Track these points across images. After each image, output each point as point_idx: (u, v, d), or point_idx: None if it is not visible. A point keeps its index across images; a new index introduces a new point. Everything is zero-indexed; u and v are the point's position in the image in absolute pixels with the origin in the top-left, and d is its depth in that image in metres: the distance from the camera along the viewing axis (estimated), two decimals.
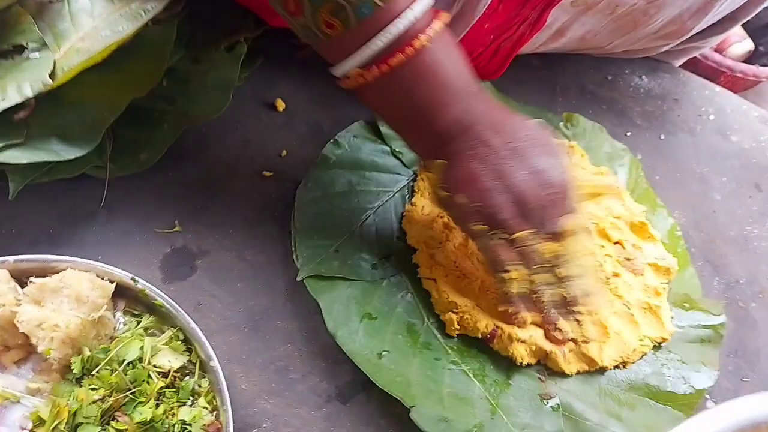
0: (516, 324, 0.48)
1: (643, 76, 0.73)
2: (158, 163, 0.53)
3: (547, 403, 0.47)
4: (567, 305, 0.46)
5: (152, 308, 0.45)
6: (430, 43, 0.41)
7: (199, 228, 0.52)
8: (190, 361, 0.44)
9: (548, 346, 0.48)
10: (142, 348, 0.43)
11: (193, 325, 0.43)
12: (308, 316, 0.49)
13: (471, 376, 0.48)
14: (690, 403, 0.50)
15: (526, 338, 0.48)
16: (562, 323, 0.47)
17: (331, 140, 0.57)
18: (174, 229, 0.52)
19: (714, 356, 0.53)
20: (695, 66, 0.91)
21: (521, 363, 0.48)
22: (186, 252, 0.51)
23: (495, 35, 0.61)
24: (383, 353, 0.46)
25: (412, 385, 0.45)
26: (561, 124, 0.65)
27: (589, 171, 0.62)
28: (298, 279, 0.49)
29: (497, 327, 0.48)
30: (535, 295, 0.46)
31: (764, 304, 0.59)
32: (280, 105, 0.61)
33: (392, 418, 0.46)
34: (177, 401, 0.42)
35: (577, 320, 0.48)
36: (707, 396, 0.52)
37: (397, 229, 0.54)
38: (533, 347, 0.48)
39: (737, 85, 1.02)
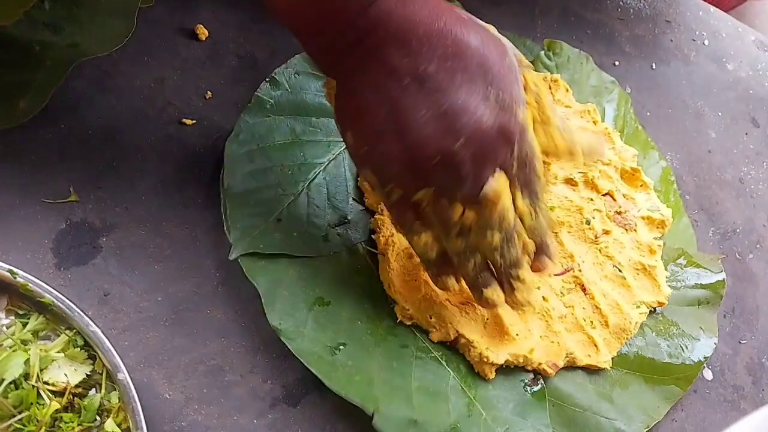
0: (440, 287, 0.38)
1: None
2: (44, 114, 0.41)
3: (531, 389, 0.41)
4: (497, 269, 0.36)
5: (42, 305, 0.35)
6: None
7: (102, 196, 0.41)
8: (94, 370, 0.35)
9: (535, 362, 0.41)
10: (27, 361, 0.34)
11: (93, 327, 0.34)
12: (245, 302, 0.40)
13: (444, 363, 0.40)
14: (688, 376, 0.44)
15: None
16: (493, 290, 0.37)
17: (267, 78, 0.46)
18: (69, 199, 0.41)
19: (712, 320, 0.47)
20: None
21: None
22: (86, 227, 0.40)
23: None
24: (339, 347, 0.38)
25: (375, 383, 0.37)
26: (542, 52, 0.56)
27: (575, 109, 0.53)
28: (231, 258, 0.39)
29: (460, 335, 0.40)
30: (456, 260, 0.36)
31: (762, 255, 0.53)
32: (202, 33, 0.49)
33: (352, 420, 0.38)
34: (78, 425, 0.33)
35: (511, 285, 0.37)
36: (709, 358, 0.46)
37: (353, 188, 0.45)
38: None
39: (723, 3, 0.93)
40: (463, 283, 0.38)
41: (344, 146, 0.45)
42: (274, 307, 0.38)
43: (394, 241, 0.41)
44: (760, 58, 0.64)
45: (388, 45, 0.31)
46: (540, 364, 0.41)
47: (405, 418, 0.37)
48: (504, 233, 0.34)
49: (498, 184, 0.33)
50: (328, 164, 0.45)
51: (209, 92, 0.47)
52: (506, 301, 0.37)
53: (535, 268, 0.38)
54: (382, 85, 0.32)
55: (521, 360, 0.40)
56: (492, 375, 0.40)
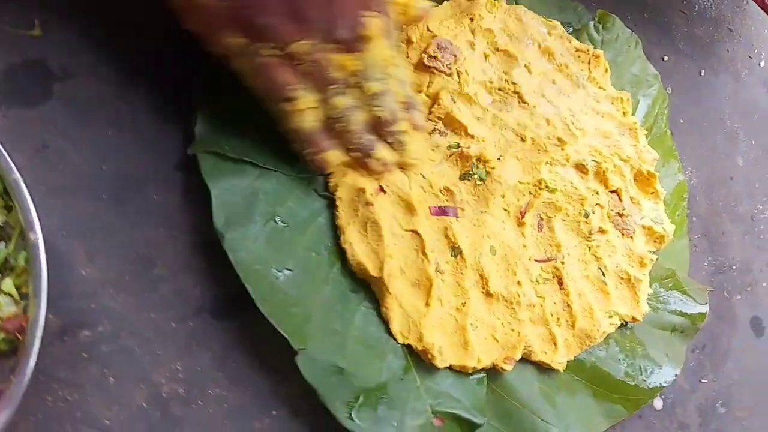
0: (320, 167, 0.36)
1: None
2: None
3: (473, 374, 0.38)
4: (382, 128, 0.36)
5: None
6: None
7: (70, 37, 0.36)
8: (7, 222, 0.31)
9: None
10: None
11: (15, 175, 0.30)
12: (199, 195, 0.35)
13: None
14: (637, 400, 0.42)
15: None
16: (382, 149, 0.37)
17: None
18: (32, 32, 0.36)
19: (681, 350, 0.44)
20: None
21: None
22: (42, 68, 0.35)
23: None
24: (284, 271, 0.34)
25: (312, 321, 0.34)
26: (591, 23, 0.50)
27: (609, 92, 0.48)
28: (189, 152, 0.35)
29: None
30: (338, 125, 0.35)
31: (750, 300, 0.50)
32: None
33: (274, 351, 0.34)
34: None
35: (399, 142, 0.37)
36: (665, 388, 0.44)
37: None
38: None
39: None
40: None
41: None
42: (224, 212, 0.34)
43: (345, 182, 0.37)
44: None
45: None
46: (495, 364, 0.38)
47: (331, 364, 0.33)
48: (381, 81, 0.34)
49: (374, 22, 0.32)
50: None
51: None
52: (397, 164, 0.38)
53: (413, 126, 0.38)
54: None
55: (468, 369, 0.37)
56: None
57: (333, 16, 0.31)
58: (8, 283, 0.30)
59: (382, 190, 0.38)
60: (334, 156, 0.36)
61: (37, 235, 0.29)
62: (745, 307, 0.50)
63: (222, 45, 0.32)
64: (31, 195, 0.29)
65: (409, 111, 0.38)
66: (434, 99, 0.42)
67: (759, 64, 0.58)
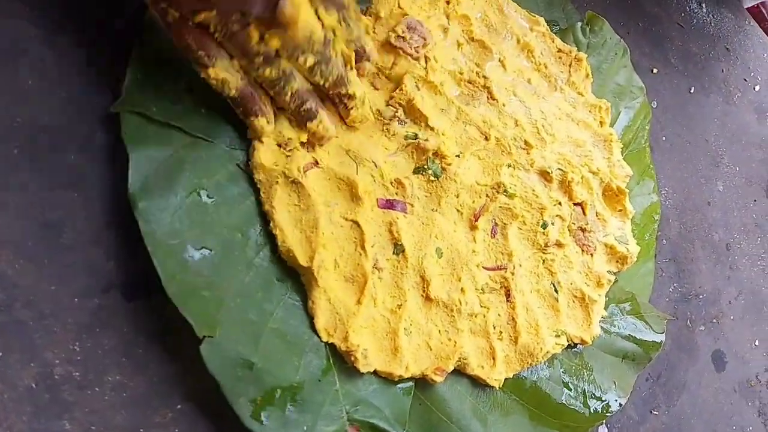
0: (251, 131, 0.34)
1: (703, 5, 0.55)
2: None
3: (399, 383, 0.35)
4: (328, 91, 0.34)
5: None
6: None
7: None
8: None
9: None
10: None
11: None
12: (122, 162, 0.32)
13: None
14: (577, 427, 0.39)
15: None
16: (324, 117, 0.34)
17: None
18: None
19: (630, 379, 0.42)
20: (760, 16, 0.72)
21: None
22: None
23: None
24: (201, 250, 0.32)
25: (224, 307, 0.31)
26: (579, 24, 0.47)
27: (587, 99, 0.45)
28: (112, 110, 0.32)
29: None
30: (271, 91, 0.32)
31: (713, 332, 0.48)
32: None
33: (185, 338, 0.32)
34: None
35: (345, 105, 0.35)
36: (607, 417, 0.41)
37: None
38: None
39: None
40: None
41: None
42: (142, 179, 0.31)
43: (262, 164, 0.34)
44: None
45: None
46: (424, 374, 0.35)
47: (240, 357, 0.31)
48: (317, 54, 0.31)
49: (293, 2, 0.28)
50: None
51: None
52: (344, 122, 0.36)
53: (360, 73, 0.35)
54: None
55: (395, 376, 0.34)
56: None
57: None
58: None
59: (315, 163, 0.35)
60: (262, 122, 0.33)
61: None
62: (708, 340, 0.47)
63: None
64: None
65: (359, 62, 0.35)
66: (397, 83, 0.39)
67: (753, 88, 0.55)
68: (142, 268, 0.32)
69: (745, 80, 0.55)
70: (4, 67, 0.32)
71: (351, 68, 0.34)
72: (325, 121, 0.34)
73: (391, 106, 0.38)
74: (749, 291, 0.50)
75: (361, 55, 0.35)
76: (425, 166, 0.38)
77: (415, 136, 0.38)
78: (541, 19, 0.45)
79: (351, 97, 0.34)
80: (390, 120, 0.38)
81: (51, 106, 0.33)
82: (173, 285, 0.30)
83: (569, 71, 0.45)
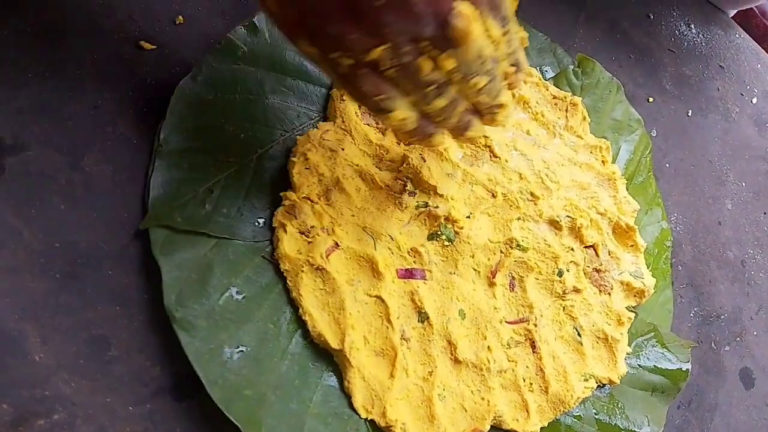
0: (433, 146, 0.33)
1: (692, 25, 0.56)
2: None
3: None
4: (482, 107, 0.32)
5: None
6: None
7: (21, 106, 0.36)
8: None
9: None
10: None
11: None
12: (154, 270, 0.35)
13: None
14: None
15: None
16: (477, 126, 0.33)
17: (246, 22, 0.40)
18: None
19: (662, 412, 0.43)
20: (747, 22, 0.73)
21: None
22: None
23: None
24: (238, 350, 0.34)
25: (266, 402, 0.33)
26: (571, 67, 0.49)
27: (587, 141, 0.47)
28: (141, 227, 0.34)
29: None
30: (437, 119, 0.31)
31: (739, 350, 0.48)
32: None
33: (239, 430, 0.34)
34: None
35: (493, 115, 0.33)
36: None
37: None
38: None
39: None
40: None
41: (316, 118, 0.40)
42: (176, 289, 0.33)
43: (287, 255, 0.36)
44: None
45: None
46: None
47: None
48: (488, 73, 0.29)
49: (466, 10, 0.26)
50: (290, 135, 0.39)
51: (181, 17, 0.41)
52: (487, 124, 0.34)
53: (511, 87, 0.33)
54: None
55: None
56: None
57: (411, 15, 0.25)
58: None
59: (336, 246, 0.37)
60: (439, 139, 0.32)
61: None
62: (734, 358, 0.48)
63: (303, 52, 0.28)
64: None
65: (515, 74, 0.33)
66: (403, 158, 0.40)
67: (751, 101, 0.56)
68: (186, 369, 0.34)
69: (742, 94, 0.56)
70: (37, 197, 0.35)
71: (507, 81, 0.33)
72: (479, 126, 0.33)
73: (399, 179, 0.40)
74: None
75: (517, 68, 0.33)
76: (438, 232, 0.40)
77: (426, 205, 0.40)
78: (533, 70, 0.47)
79: (502, 106, 0.33)
80: (400, 193, 0.40)
81: (84, 227, 0.35)
82: (217, 390, 0.32)
83: (566, 116, 0.46)
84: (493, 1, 0.27)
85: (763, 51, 0.59)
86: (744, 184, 0.53)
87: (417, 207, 0.40)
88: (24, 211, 0.34)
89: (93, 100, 0.37)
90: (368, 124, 0.41)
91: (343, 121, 0.40)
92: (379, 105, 0.28)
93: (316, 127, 0.39)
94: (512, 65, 0.31)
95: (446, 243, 0.40)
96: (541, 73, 0.48)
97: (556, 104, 0.46)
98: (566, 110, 0.46)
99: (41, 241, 0.34)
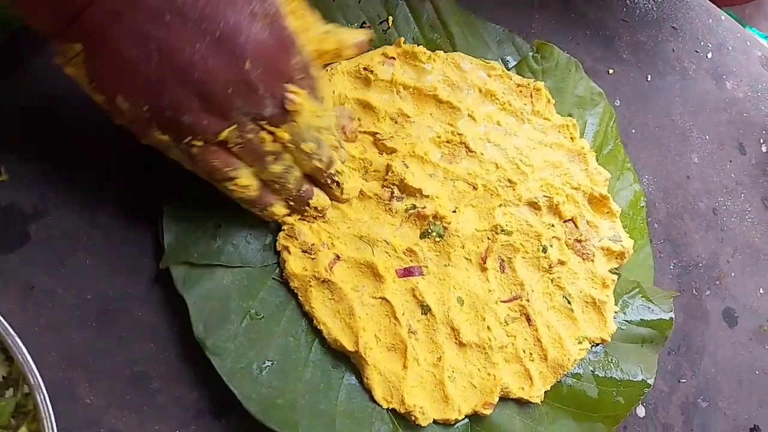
0: (268, 218, 0.39)
1: None
2: None
3: (456, 424, 0.41)
4: (319, 174, 0.38)
5: None
6: None
7: (35, 177, 0.39)
8: (11, 372, 0.34)
9: None
10: None
11: (8, 328, 0.33)
12: (179, 305, 0.38)
13: None
14: (617, 415, 0.45)
15: None
16: (318, 196, 0.40)
17: None
18: None
19: (653, 360, 0.47)
20: None
21: None
22: (15, 212, 0.38)
23: None
24: (265, 365, 0.38)
25: (297, 407, 0.37)
26: (530, 54, 0.52)
27: (554, 121, 0.50)
28: (162, 266, 0.38)
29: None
30: (275, 185, 0.37)
31: (719, 293, 0.53)
32: None
33: None
34: None
35: (336, 183, 0.40)
36: (642, 399, 0.47)
37: None
38: None
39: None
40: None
41: None
42: (203, 319, 0.37)
43: (294, 273, 0.40)
44: (762, 78, 0.61)
45: None
46: (475, 410, 0.41)
47: None
48: (314, 139, 0.35)
49: (297, 93, 0.33)
50: None
51: None
52: (334, 199, 0.41)
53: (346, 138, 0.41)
54: (144, 30, 0.29)
55: (451, 421, 0.40)
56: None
57: (255, 99, 0.31)
58: (24, 431, 0.33)
59: (337, 258, 0.41)
60: (278, 209, 0.38)
61: (37, 380, 0.33)
62: (716, 301, 0.52)
63: (153, 141, 0.33)
64: (26, 336, 0.33)
65: (339, 149, 0.39)
66: (387, 167, 0.44)
67: (706, 56, 0.59)
68: (221, 389, 0.38)
69: (697, 51, 0.59)
70: (64, 256, 0.38)
71: (334, 148, 0.39)
72: (321, 195, 0.40)
73: (387, 188, 0.44)
74: (744, 245, 0.55)
75: (340, 142, 0.40)
76: (429, 230, 0.43)
77: (414, 207, 0.43)
78: (496, 63, 0.50)
79: (339, 173, 0.39)
80: (389, 200, 0.43)
81: (110, 277, 0.39)
82: (252, 404, 0.36)
83: (532, 102, 0.50)
84: (312, 86, 0.34)
85: (713, 5, 0.61)
86: (707, 136, 0.57)
87: (406, 210, 0.43)
88: (54, 271, 0.38)
89: (100, 158, 0.40)
90: (346, 140, 0.44)
91: None
92: (226, 175, 0.34)
93: None
94: (335, 143, 0.38)
95: (437, 239, 0.43)
96: (504, 63, 0.51)
97: (521, 92, 0.50)
98: (531, 96, 0.50)
99: (74, 295, 0.38)
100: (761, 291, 0.54)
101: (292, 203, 0.39)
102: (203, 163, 0.33)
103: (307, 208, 0.40)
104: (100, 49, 0.29)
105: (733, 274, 0.54)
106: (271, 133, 0.33)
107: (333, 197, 0.41)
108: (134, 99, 0.30)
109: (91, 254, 0.39)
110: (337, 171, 0.39)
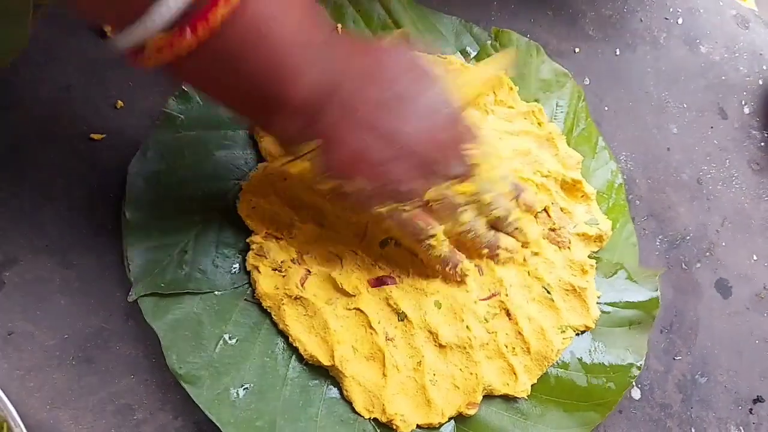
0: (461, 279, 0.43)
1: None
2: None
3: (440, 427, 0.41)
4: (501, 224, 0.43)
5: None
6: None
7: (4, 225, 0.40)
8: None
9: None
10: None
11: None
12: (156, 336, 0.39)
13: None
14: (608, 402, 0.44)
15: None
16: (505, 240, 0.43)
17: (176, 93, 0.43)
18: None
19: (642, 341, 0.46)
20: None
21: None
22: None
23: None
24: (242, 388, 0.38)
25: (277, 427, 0.38)
26: (489, 43, 0.51)
27: (519, 109, 0.49)
28: (129, 300, 0.38)
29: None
30: (467, 237, 0.41)
31: (710, 265, 0.51)
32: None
33: None
34: None
35: (516, 229, 0.43)
36: (633, 382, 0.46)
37: None
38: None
39: None
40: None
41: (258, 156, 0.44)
42: (175, 349, 0.37)
43: (265, 293, 0.40)
44: (739, 38, 0.59)
45: (360, 86, 0.34)
46: (459, 411, 0.41)
47: None
48: (492, 191, 0.40)
49: (480, 149, 0.38)
50: (244, 178, 0.43)
51: (120, 101, 0.44)
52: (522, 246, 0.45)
53: (525, 208, 0.44)
54: (371, 119, 0.34)
55: (435, 425, 0.40)
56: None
57: (448, 161, 0.37)
58: None
59: (308, 272, 0.41)
60: (466, 267, 0.42)
61: (19, 425, 0.33)
62: (708, 273, 0.51)
63: (371, 214, 0.37)
64: (9, 381, 0.34)
65: (519, 197, 0.43)
66: None
67: (677, 22, 0.58)
68: (203, 415, 0.39)
69: (666, 18, 0.57)
70: (39, 299, 0.39)
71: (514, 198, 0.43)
72: (507, 240, 0.43)
73: None
74: (732, 212, 0.53)
75: (518, 192, 0.43)
76: (386, 239, 0.43)
77: None
78: (453, 57, 0.49)
79: (517, 222, 0.43)
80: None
81: (86, 315, 0.40)
82: (231, 429, 0.37)
83: (494, 92, 0.49)
84: (486, 148, 0.39)
85: None
86: (685, 105, 0.55)
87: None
88: (31, 314, 0.39)
89: (63, 199, 0.41)
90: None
91: (272, 155, 0.43)
92: (428, 233, 0.38)
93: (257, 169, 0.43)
94: (513, 192, 0.43)
95: (395, 246, 0.43)
96: (465, 54, 0.51)
97: None
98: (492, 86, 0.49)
99: (52, 336, 0.39)
100: (755, 257, 0.52)
101: (481, 251, 0.43)
102: (410, 225, 0.38)
103: (497, 252, 0.43)
104: (335, 141, 0.34)
105: (723, 244, 0.52)
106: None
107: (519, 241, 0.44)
108: (368, 176, 0.35)
109: (65, 294, 0.40)
110: (516, 219, 0.43)
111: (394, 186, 0.36)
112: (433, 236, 0.39)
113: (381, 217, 0.37)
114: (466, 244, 0.42)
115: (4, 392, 0.34)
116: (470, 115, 0.40)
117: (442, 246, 0.40)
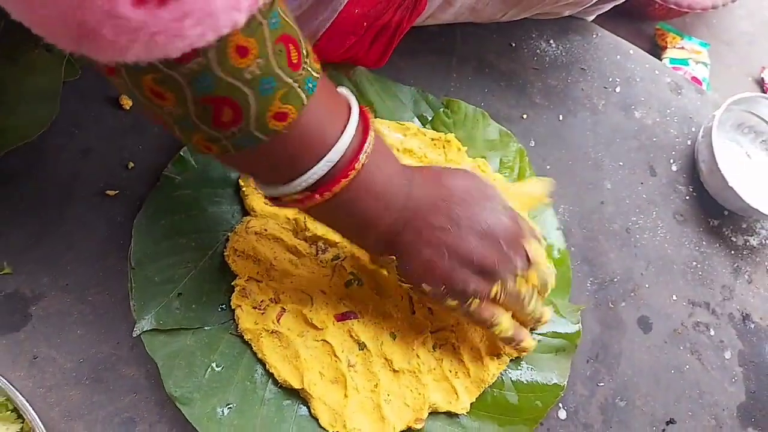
0: (525, 352, 0.51)
1: (551, 41, 0.66)
2: None
3: None
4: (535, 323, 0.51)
5: None
6: (368, 159, 0.38)
7: (32, 267, 0.49)
8: (23, 428, 0.44)
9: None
10: None
11: (19, 397, 0.42)
12: (156, 362, 0.48)
13: None
14: (536, 417, 0.52)
15: None
16: (547, 312, 0.51)
17: (174, 158, 0.52)
18: (3, 272, 0.48)
19: (566, 365, 0.54)
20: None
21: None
22: (18, 297, 0.48)
23: (368, 22, 0.53)
24: (227, 406, 0.46)
25: None
26: (442, 110, 0.59)
27: (467, 164, 0.58)
28: (134, 335, 0.46)
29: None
30: (530, 316, 0.49)
31: (634, 304, 0.59)
32: (126, 102, 0.54)
33: None
34: None
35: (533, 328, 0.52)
36: (560, 404, 0.54)
37: None
38: None
39: (672, 12, 0.93)
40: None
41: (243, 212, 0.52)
42: (172, 376, 0.46)
43: (247, 329, 0.48)
44: (671, 103, 0.67)
45: (428, 214, 0.42)
46: (408, 425, 0.48)
47: None
48: (544, 276, 0.48)
49: (535, 246, 0.46)
50: (231, 232, 0.51)
51: (131, 162, 0.53)
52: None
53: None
54: (437, 239, 0.42)
55: None
56: None
57: (511, 263, 0.44)
58: None
59: (283, 310, 0.49)
60: (528, 342, 0.49)
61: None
62: (631, 311, 0.59)
63: (444, 306, 0.45)
64: (34, 397, 0.43)
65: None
66: (304, 225, 0.52)
67: (615, 90, 0.66)
68: (194, 429, 0.47)
69: (605, 87, 0.66)
70: (60, 329, 0.47)
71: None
72: (547, 311, 0.50)
73: (313, 243, 0.52)
74: (656, 258, 0.61)
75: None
76: (351, 280, 0.51)
77: (337, 257, 0.52)
78: (410, 123, 0.57)
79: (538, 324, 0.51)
80: (317, 255, 0.52)
81: (99, 343, 0.48)
82: None
83: (444, 152, 0.57)
84: (534, 234, 0.47)
85: (623, 41, 0.68)
86: (620, 163, 0.64)
87: (333, 260, 0.52)
88: (53, 342, 0.47)
89: (82, 246, 0.50)
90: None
91: (254, 210, 0.51)
92: (493, 322, 0.46)
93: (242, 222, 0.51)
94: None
95: (358, 286, 0.51)
96: (422, 119, 0.59)
97: (435, 144, 0.57)
98: (444, 147, 0.57)
99: (70, 360, 0.47)
100: (674, 297, 0.61)
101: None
102: (477, 316, 0.45)
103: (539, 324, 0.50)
104: (409, 255, 0.43)
105: (647, 285, 0.60)
106: (524, 279, 0.46)
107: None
108: (435, 284, 0.43)
109: (82, 325, 0.48)
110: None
111: (461, 288, 0.43)
112: (496, 325, 0.46)
113: (452, 308, 0.45)
114: (525, 318, 0.49)
115: (31, 406, 0.42)
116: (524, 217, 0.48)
117: (508, 329, 0.47)
